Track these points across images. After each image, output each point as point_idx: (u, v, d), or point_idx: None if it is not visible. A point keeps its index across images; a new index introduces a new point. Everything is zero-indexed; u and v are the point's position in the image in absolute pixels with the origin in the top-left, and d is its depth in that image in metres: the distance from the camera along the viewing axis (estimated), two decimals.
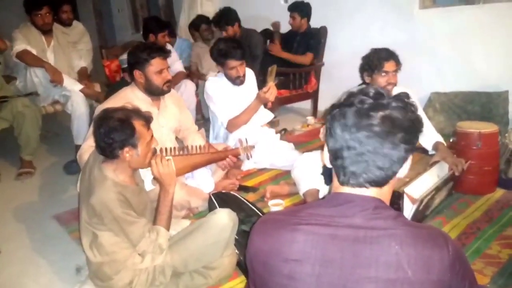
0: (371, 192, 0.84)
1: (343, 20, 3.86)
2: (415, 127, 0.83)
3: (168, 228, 1.62)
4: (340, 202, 0.84)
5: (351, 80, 2.32)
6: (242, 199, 2.19)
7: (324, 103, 3.95)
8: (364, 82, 2.31)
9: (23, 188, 2.90)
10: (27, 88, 3.21)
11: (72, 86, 3.16)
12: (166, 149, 1.80)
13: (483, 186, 2.31)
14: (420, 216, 1.96)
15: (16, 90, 3.23)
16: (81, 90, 3.18)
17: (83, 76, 3.58)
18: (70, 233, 2.21)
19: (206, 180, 2.38)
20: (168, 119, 2.27)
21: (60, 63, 3.32)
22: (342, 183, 0.86)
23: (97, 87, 3.45)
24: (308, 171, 2.27)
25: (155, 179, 1.67)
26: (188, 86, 3.60)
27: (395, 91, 2.08)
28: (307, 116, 3.97)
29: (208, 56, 2.98)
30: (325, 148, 0.89)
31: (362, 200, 0.83)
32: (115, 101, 1.97)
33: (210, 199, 2.18)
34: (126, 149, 1.47)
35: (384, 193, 0.85)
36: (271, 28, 4.24)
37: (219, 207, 2.00)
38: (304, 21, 3.77)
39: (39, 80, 3.17)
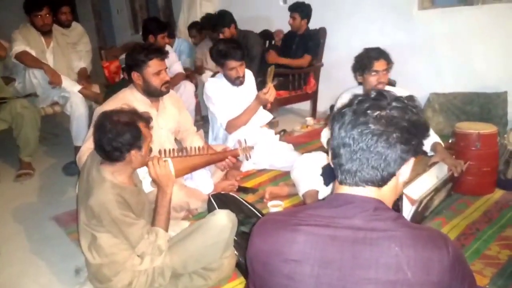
0: (370, 192, 0.84)
1: (342, 21, 3.87)
2: (415, 128, 0.82)
3: (167, 229, 1.62)
4: (340, 203, 0.84)
5: (350, 81, 2.33)
6: (241, 200, 2.19)
7: (323, 104, 3.96)
8: (359, 83, 2.31)
9: (22, 189, 2.90)
10: (26, 89, 3.21)
11: (71, 88, 3.16)
12: (164, 150, 1.80)
13: (482, 187, 2.31)
14: (419, 217, 1.96)
15: (15, 91, 3.23)
16: (80, 91, 3.18)
17: (83, 76, 3.58)
18: (69, 234, 2.20)
19: (205, 181, 2.38)
20: (167, 121, 2.27)
21: (59, 64, 3.32)
22: (340, 182, 0.87)
23: (96, 88, 3.45)
24: (308, 172, 2.27)
25: (153, 180, 1.67)
26: (187, 87, 3.60)
27: (397, 92, 2.08)
28: (306, 117, 3.98)
29: None
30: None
31: (362, 201, 0.83)
32: (114, 102, 1.97)
33: (209, 200, 2.19)
34: (133, 152, 1.48)
35: (384, 194, 0.85)
36: (271, 30, 4.25)
37: (218, 208, 2.00)
38: (304, 22, 3.78)
39: (38, 82, 3.17)
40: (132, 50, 2.12)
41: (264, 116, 2.89)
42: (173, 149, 1.87)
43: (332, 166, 0.89)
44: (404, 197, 1.85)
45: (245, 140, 2.27)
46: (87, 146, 1.95)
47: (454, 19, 3.25)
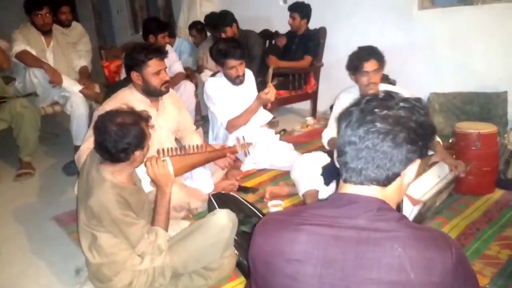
0: (374, 192, 0.84)
1: (342, 20, 3.87)
2: (422, 129, 0.82)
3: (166, 229, 1.62)
4: (344, 203, 0.84)
5: (350, 80, 2.33)
6: (242, 200, 2.19)
7: (323, 104, 3.95)
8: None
9: (22, 189, 2.90)
10: (26, 89, 3.21)
11: (72, 87, 3.16)
12: (163, 149, 1.80)
13: (482, 187, 2.31)
14: (421, 218, 1.96)
15: (15, 90, 3.23)
16: (80, 91, 3.18)
17: (84, 75, 3.57)
18: (69, 234, 2.20)
19: (205, 181, 2.38)
20: (167, 120, 2.27)
21: (60, 64, 3.32)
22: (345, 181, 0.87)
23: (97, 88, 3.45)
24: (308, 172, 2.27)
25: (152, 180, 1.67)
26: (187, 87, 3.60)
27: (398, 91, 2.08)
28: (306, 116, 3.98)
29: None
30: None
31: (366, 201, 0.83)
32: (114, 102, 1.96)
33: (209, 200, 2.19)
34: (137, 152, 1.49)
35: (388, 195, 0.85)
36: (271, 30, 4.25)
37: (219, 208, 2.00)
38: (303, 22, 3.78)
39: (39, 81, 3.17)
40: (131, 50, 2.12)
41: (264, 115, 2.89)
42: (171, 148, 1.87)
43: (337, 164, 0.89)
44: (404, 197, 1.85)
45: (243, 136, 2.28)
46: (86, 146, 1.95)
47: (454, 19, 3.25)
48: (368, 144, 0.81)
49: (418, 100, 0.85)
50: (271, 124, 3.16)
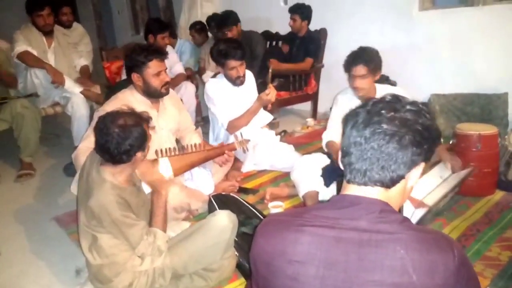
0: (378, 193, 0.84)
1: (342, 21, 3.87)
2: (428, 132, 0.82)
3: (164, 230, 1.61)
4: (346, 205, 0.84)
5: None
6: (242, 201, 2.19)
7: (324, 105, 3.95)
8: None
9: (22, 189, 2.90)
10: (27, 90, 3.21)
11: (73, 88, 3.16)
12: (161, 150, 1.80)
13: (483, 188, 2.31)
14: (420, 219, 1.96)
15: (16, 91, 3.23)
16: (81, 92, 3.18)
17: (85, 74, 3.57)
18: (69, 235, 2.20)
19: (206, 182, 2.38)
20: (168, 121, 2.27)
21: (61, 64, 3.32)
22: (348, 181, 0.86)
23: (97, 89, 3.45)
24: (308, 173, 2.27)
25: (147, 185, 1.67)
26: (188, 88, 3.60)
27: (397, 92, 2.08)
28: (307, 117, 3.98)
29: None
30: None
31: (368, 203, 0.83)
32: (115, 103, 1.96)
33: (210, 201, 2.19)
34: (139, 154, 1.49)
35: (391, 197, 0.85)
36: (271, 31, 4.25)
37: (219, 209, 2.00)
38: (304, 24, 3.78)
39: (40, 82, 3.17)
40: (131, 51, 2.11)
41: (265, 117, 2.89)
42: (170, 148, 1.87)
43: (341, 165, 0.89)
44: None
45: (241, 133, 2.28)
46: (85, 145, 1.95)
47: (455, 20, 3.25)
48: (374, 145, 0.81)
49: (425, 104, 0.86)
50: (271, 125, 3.16)
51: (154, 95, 2.15)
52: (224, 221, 1.62)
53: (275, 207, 2.19)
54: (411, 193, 0.92)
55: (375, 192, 0.84)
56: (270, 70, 2.69)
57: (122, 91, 2.17)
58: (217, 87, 2.73)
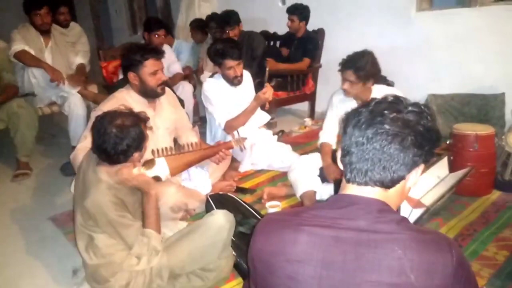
0: (377, 193, 0.84)
1: (340, 22, 3.87)
2: (430, 135, 0.83)
3: (158, 231, 1.59)
4: (344, 204, 0.84)
5: None
6: (239, 200, 2.18)
7: (321, 105, 3.95)
8: None
9: (19, 189, 2.89)
10: (24, 89, 3.20)
11: (70, 88, 3.15)
12: (158, 150, 1.79)
13: (480, 188, 2.31)
14: (417, 219, 1.96)
15: None
16: (78, 92, 3.17)
17: (81, 72, 3.53)
18: (66, 234, 2.20)
19: (203, 182, 2.37)
20: (165, 120, 2.26)
21: (58, 64, 3.30)
22: (348, 181, 0.86)
23: (94, 88, 3.44)
24: (305, 173, 2.27)
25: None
26: (185, 88, 3.60)
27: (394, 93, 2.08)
28: (304, 117, 3.99)
29: None
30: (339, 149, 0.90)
31: (367, 202, 0.83)
32: (112, 103, 1.95)
33: (207, 200, 2.18)
34: (136, 154, 1.49)
35: (390, 197, 0.85)
36: (269, 31, 4.25)
37: (216, 208, 2.00)
38: (302, 24, 3.78)
39: (37, 81, 3.16)
40: (128, 50, 2.10)
41: (263, 117, 2.89)
42: (166, 148, 1.86)
43: (341, 165, 0.89)
44: None
45: (237, 132, 2.27)
46: (83, 145, 1.94)
47: (452, 21, 3.26)
48: (376, 145, 0.81)
49: (426, 106, 0.86)
50: (269, 125, 3.16)
51: (150, 94, 2.14)
52: (221, 220, 1.62)
53: (273, 207, 2.19)
54: (408, 193, 0.92)
55: (374, 192, 0.84)
56: (267, 69, 2.69)
57: (119, 91, 2.17)
58: (214, 87, 2.73)
